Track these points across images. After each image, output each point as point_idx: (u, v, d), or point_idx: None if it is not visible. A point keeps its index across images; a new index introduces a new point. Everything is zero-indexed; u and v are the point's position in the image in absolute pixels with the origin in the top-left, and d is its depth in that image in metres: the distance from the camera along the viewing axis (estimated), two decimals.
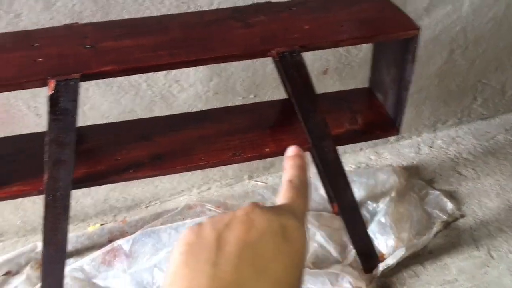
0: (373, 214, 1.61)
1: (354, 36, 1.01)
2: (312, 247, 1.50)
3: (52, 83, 0.90)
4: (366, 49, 1.57)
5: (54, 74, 0.91)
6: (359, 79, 1.63)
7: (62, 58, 0.96)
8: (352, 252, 1.49)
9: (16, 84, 0.90)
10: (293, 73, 1.00)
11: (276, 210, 0.44)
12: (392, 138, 1.89)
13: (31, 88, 0.92)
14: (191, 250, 0.40)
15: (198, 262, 0.39)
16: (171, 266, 0.40)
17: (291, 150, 0.53)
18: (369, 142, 1.87)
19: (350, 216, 1.32)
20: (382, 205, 1.61)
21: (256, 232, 0.41)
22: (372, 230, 1.53)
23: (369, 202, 1.64)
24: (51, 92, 0.91)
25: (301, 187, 0.48)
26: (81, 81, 0.91)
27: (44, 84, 0.91)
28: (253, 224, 0.41)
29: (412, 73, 1.08)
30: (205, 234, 0.41)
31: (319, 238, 1.51)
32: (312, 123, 1.09)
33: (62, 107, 0.93)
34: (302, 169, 0.50)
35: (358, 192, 1.65)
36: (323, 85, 1.60)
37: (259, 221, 0.41)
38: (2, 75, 0.91)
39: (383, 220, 1.56)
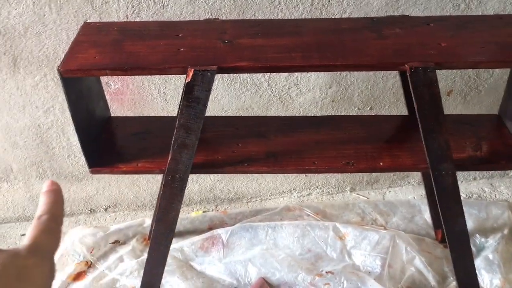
0: (480, 249, 1.51)
1: (495, 59, 0.97)
2: (409, 271, 1.45)
3: (191, 72, 0.96)
4: (497, 75, 1.48)
5: (193, 64, 0.98)
6: (484, 105, 1.55)
7: (201, 50, 1.03)
8: (452, 284, 1.42)
9: (160, 69, 0.98)
10: (423, 89, 0.98)
11: (14, 251, 0.44)
12: (511, 172, 1.76)
13: (173, 74, 0.99)
14: None
15: None
16: None
17: (46, 185, 0.51)
18: (484, 173, 1.76)
19: (459, 246, 1.25)
20: (491, 241, 1.51)
21: None
22: (478, 265, 1.44)
23: (477, 235, 1.54)
24: (188, 80, 0.97)
25: (50, 224, 0.47)
26: (217, 73, 0.97)
27: (184, 72, 0.97)
28: None
29: None
30: None
31: (418, 263, 1.46)
32: (434, 143, 1.06)
33: (195, 95, 0.99)
34: (54, 205, 0.49)
35: (467, 223, 1.56)
36: (444, 106, 1.53)
37: None
38: (148, 60, 0.99)
39: (491, 256, 1.46)
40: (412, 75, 0.96)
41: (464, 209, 1.60)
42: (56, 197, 0.50)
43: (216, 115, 1.47)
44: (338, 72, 1.44)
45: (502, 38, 1.03)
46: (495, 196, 1.72)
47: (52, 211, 0.48)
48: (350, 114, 1.53)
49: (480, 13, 1.35)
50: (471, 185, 1.76)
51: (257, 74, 1.42)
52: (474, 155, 1.16)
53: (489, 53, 0.98)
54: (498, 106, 1.25)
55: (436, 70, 0.97)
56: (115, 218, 1.72)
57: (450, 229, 1.20)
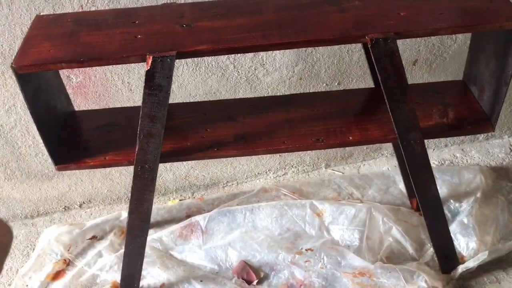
0: (455, 214, 1.54)
1: (455, 25, 0.97)
2: (387, 241, 1.46)
3: (150, 59, 0.94)
4: (461, 41, 1.49)
5: (152, 50, 0.95)
6: (450, 72, 1.56)
7: (159, 36, 1.00)
8: (430, 250, 1.44)
9: (118, 58, 0.95)
10: (385, 60, 0.98)
11: None
12: (481, 136, 1.79)
13: (131, 63, 0.96)
14: None
15: None
16: None
17: None
18: (455, 139, 1.78)
19: (432, 213, 1.27)
20: (465, 205, 1.54)
21: None
22: (453, 230, 1.47)
23: (451, 201, 1.57)
24: (148, 67, 0.95)
25: None
26: (177, 58, 0.95)
27: (143, 59, 0.95)
28: None
29: None
30: None
31: (395, 233, 1.47)
32: (401, 113, 1.06)
33: (157, 82, 0.97)
34: None
35: (440, 190, 1.55)
36: (411, 76, 1.54)
37: None
38: (105, 50, 0.96)
39: (465, 220, 1.49)
40: (373, 47, 0.96)
41: (437, 176, 1.63)
42: None
43: (184, 101, 1.45)
44: (303, 49, 1.43)
45: (460, 3, 1.03)
46: (467, 161, 1.75)
47: None
48: (318, 90, 1.53)
49: None
50: (443, 152, 1.78)
51: (222, 57, 1.40)
52: (441, 122, 1.17)
53: (448, 19, 0.98)
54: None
55: (398, 40, 0.97)
56: (91, 214, 1.69)
57: (423, 196, 1.22)
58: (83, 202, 1.69)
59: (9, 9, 1.23)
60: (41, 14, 1.13)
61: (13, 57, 0.96)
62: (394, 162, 1.73)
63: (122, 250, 1.45)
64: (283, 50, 1.41)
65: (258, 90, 1.50)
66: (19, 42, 1.27)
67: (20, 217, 1.66)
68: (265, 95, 1.50)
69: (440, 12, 1.00)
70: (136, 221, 1.22)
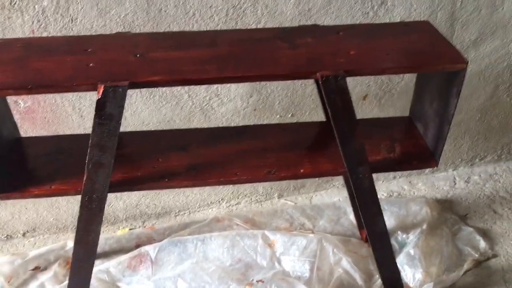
0: (402, 245, 1.58)
1: (400, 65, 1.01)
2: (337, 272, 1.48)
3: (101, 88, 0.93)
4: (408, 78, 1.56)
5: (103, 79, 0.94)
6: (398, 107, 1.62)
7: (112, 64, 0.99)
8: (378, 281, 1.46)
9: (68, 86, 0.93)
10: (335, 97, 1.01)
11: None
12: (427, 170, 1.86)
13: (82, 91, 0.95)
14: None
15: None
16: None
17: None
18: (403, 172, 1.84)
19: (380, 244, 1.30)
20: (412, 237, 1.58)
21: None
22: (400, 261, 1.50)
23: (399, 232, 1.61)
24: (99, 96, 0.93)
25: None
26: (129, 88, 0.94)
27: (94, 88, 0.94)
28: None
29: (455, 107, 1.07)
30: None
31: (345, 264, 1.49)
32: (350, 148, 1.09)
33: (108, 112, 0.96)
34: None
35: (388, 221, 1.62)
36: (361, 110, 1.59)
37: None
38: (55, 77, 0.95)
39: (412, 252, 1.53)
40: (324, 83, 0.98)
41: (386, 207, 1.68)
42: None
43: (137, 129, 1.43)
44: (258, 82, 1.45)
45: (406, 44, 1.08)
46: (414, 193, 1.81)
47: None
48: (272, 122, 1.55)
49: (388, 20, 1.41)
50: (392, 184, 1.84)
51: (177, 87, 1.40)
52: (389, 157, 1.21)
53: (395, 59, 1.03)
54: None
55: (348, 77, 1.00)
56: (35, 243, 1.62)
57: (371, 228, 1.24)
58: (27, 231, 1.62)
59: None
60: None
61: None
62: (345, 193, 1.77)
63: (67, 282, 1.40)
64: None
65: (212, 120, 1.51)
66: None
67: None
68: (220, 125, 1.51)
69: (387, 53, 1.04)
70: (82, 253, 1.18)
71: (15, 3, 1.17)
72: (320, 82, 0.99)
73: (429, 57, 1.04)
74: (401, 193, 1.81)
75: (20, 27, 1.20)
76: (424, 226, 1.61)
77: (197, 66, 0.99)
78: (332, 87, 0.99)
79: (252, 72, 0.98)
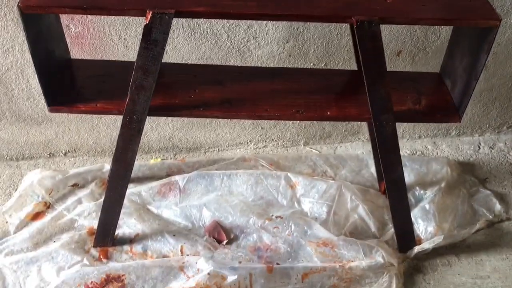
0: (419, 200, 1.64)
1: (435, 17, 1.04)
2: (352, 217, 1.56)
3: (149, 14, 1.00)
4: (443, 37, 1.58)
5: (152, 6, 1.01)
6: (430, 66, 1.64)
7: None
8: (390, 231, 1.53)
9: (119, 10, 1.01)
10: (367, 42, 1.05)
11: None
12: (453, 132, 1.88)
13: (132, 15, 1.02)
14: None
15: None
16: None
17: None
18: (429, 132, 1.88)
19: (396, 193, 1.36)
20: (429, 193, 1.64)
21: None
22: (415, 214, 1.57)
23: (417, 187, 1.67)
24: (146, 22, 1.01)
25: None
26: (175, 17, 1.01)
27: (142, 14, 1.01)
28: None
29: (484, 64, 1.10)
30: None
31: (361, 211, 1.57)
32: (376, 94, 1.14)
33: (153, 37, 1.03)
34: None
35: (408, 176, 1.68)
36: (394, 66, 1.62)
37: None
38: (108, 1, 1.02)
39: (427, 207, 1.59)
40: (358, 28, 1.03)
41: (407, 163, 1.73)
42: None
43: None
44: (295, 27, 1.50)
45: None
46: (437, 154, 1.85)
47: None
48: None
49: None
50: (416, 143, 1.88)
51: (217, 25, 1.46)
52: (414, 108, 1.25)
53: (430, 11, 1.06)
54: None
55: (385, 29, 1.05)
56: (75, 163, 1.75)
57: (389, 176, 1.31)
58: (68, 151, 1.75)
59: None
60: None
61: (18, 1, 1.01)
62: (369, 147, 1.82)
63: (102, 200, 1.52)
64: (276, 26, 1.48)
65: (248, 62, 1.57)
66: None
67: (6, 158, 1.72)
68: None
69: (423, 4, 1.07)
70: (119, 170, 1.29)
71: None
72: (355, 27, 1.03)
73: (464, 12, 1.07)
74: (424, 152, 1.85)
75: None
76: (443, 185, 1.66)
77: (239, 2, 1.05)
78: (365, 32, 1.04)
79: (290, 11, 1.03)
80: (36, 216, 1.54)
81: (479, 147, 1.87)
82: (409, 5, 1.07)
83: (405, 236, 1.48)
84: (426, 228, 1.54)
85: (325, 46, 1.56)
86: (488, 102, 1.80)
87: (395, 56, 1.61)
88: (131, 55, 1.48)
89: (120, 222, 1.46)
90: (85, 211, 1.55)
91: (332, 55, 1.58)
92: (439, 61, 1.37)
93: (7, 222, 1.51)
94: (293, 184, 1.64)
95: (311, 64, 1.60)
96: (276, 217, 1.55)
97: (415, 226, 1.54)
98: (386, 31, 1.51)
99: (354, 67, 1.56)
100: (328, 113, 1.22)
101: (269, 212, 1.57)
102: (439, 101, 1.27)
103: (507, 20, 1.55)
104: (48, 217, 1.53)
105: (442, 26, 1.54)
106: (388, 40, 1.55)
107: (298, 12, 1.03)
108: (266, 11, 1.03)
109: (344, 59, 1.59)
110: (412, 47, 1.59)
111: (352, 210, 1.58)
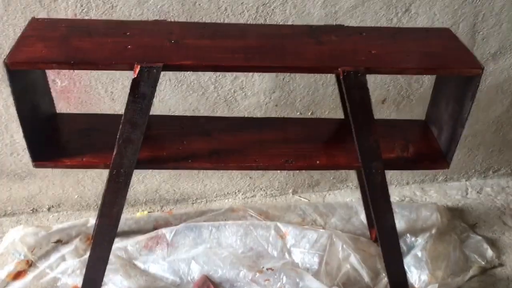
0: (411, 247, 1.62)
1: (419, 66, 1.07)
2: (345, 267, 1.53)
3: (137, 68, 1.00)
4: (426, 85, 1.61)
5: (140, 60, 1.02)
6: (415, 113, 1.67)
7: (148, 48, 1.07)
8: (384, 280, 1.51)
9: (107, 64, 1.01)
10: (354, 92, 1.06)
11: None
12: (440, 178, 1.89)
13: (119, 70, 1.02)
14: None
15: None
16: None
17: None
18: (417, 178, 1.88)
19: (388, 241, 1.34)
20: (420, 240, 1.62)
21: None
22: (407, 262, 1.54)
23: (408, 235, 1.65)
24: (135, 76, 1.01)
25: None
26: (163, 70, 1.01)
27: (130, 68, 1.01)
28: None
29: (469, 111, 1.12)
30: None
31: (353, 260, 1.54)
32: (365, 143, 1.14)
33: (141, 91, 1.03)
34: None
35: (399, 224, 1.66)
36: (379, 114, 1.64)
37: None
38: (95, 56, 1.02)
39: (419, 254, 1.57)
40: (344, 78, 1.04)
41: (397, 210, 1.72)
42: None
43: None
44: (281, 78, 1.52)
45: (426, 48, 1.14)
46: (426, 199, 1.85)
47: None
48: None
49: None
50: (404, 189, 1.88)
51: (204, 76, 1.48)
52: (402, 155, 1.26)
53: (414, 60, 1.08)
54: None
55: (370, 78, 1.06)
56: (58, 218, 1.70)
57: (380, 224, 1.29)
58: (52, 206, 1.70)
59: (5, 10, 1.28)
60: (37, 17, 1.18)
61: (4, 56, 1.00)
62: (358, 194, 1.81)
63: (86, 256, 1.47)
64: (262, 76, 1.50)
65: (235, 112, 1.57)
66: (10, 42, 1.31)
67: None
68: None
69: (407, 54, 1.10)
70: (105, 225, 1.25)
71: None
72: (341, 77, 1.05)
73: (447, 61, 1.09)
74: (413, 199, 1.85)
75: (64, 10, 1.29)
76: (433, 231, 1.65)
77: (226, 54, 1.06)
78: (352, 82, 1.05)
79: (277, 63, 1.05)
80: (17, 275, 1.48)
81: (466, 192, 1.88)
82: (393, 56, 1.10)
83: (399, 286, 1.44)
84: (419, 277, 1.52)
85: (311, 95, 1.58)
86: (473, 148, 1.82)
87: (380, 104, 1.63)
88: (118, 107, 1.48)
89: (105, 279, 1.40)
90: (68, 269, 1.49)
91: (318, 104, 1.60)
92: (424, 108, 1.39)
93: None
94: (283, 234, 1.62)
95: (298, 113, 1.61)
96: (267, 269, 1.51)
97: (408, 275, 1.52)
98: (371, 80, 1.54)
99: (340, 115, 1.57)
100: (317, 162, 1.22)
101: (260, 264, 1.53)
102: (426, 148, 1.28)
103: (487, 68, 1.59)
104: (30, 276, 1.47)
105: (425, 75, 1.57)
106: (373, 88, 1.57)
107: (286, 64, 1.04)
108: (254, 63, 1.04)
109: (330, 107, 1.61)
110: (396, 95, 1.62)
111: (344, 259, 1.55)
